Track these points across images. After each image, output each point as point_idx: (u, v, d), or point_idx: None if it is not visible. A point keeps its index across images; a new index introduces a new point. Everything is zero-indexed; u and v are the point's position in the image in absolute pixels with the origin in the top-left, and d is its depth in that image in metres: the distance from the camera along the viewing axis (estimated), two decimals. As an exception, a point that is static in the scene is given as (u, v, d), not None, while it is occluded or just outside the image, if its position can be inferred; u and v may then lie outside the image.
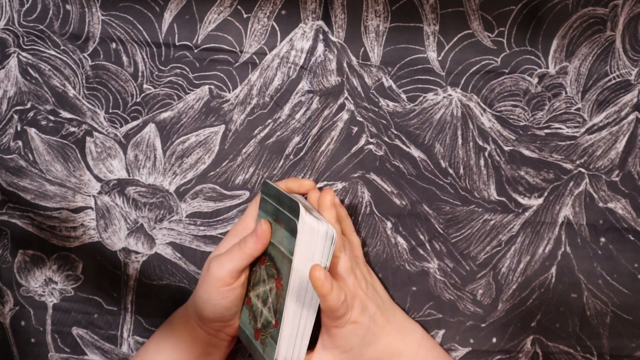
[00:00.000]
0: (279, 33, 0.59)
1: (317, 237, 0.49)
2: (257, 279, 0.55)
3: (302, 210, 0.49)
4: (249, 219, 0.57)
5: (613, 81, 0.59)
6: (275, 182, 0.58)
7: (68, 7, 0.59)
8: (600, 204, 0.61)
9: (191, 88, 0.59)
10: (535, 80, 0.59)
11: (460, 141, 0.60)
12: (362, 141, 0.61)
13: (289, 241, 0.50)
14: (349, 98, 0.60)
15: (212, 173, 0.61)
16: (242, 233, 0.56)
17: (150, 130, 0.60)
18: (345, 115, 0.60)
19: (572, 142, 0.60)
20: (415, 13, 0.58)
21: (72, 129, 0.60)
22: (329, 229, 0.50)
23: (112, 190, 0.61)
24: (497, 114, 0.60)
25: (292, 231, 0.49)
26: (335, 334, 0.53)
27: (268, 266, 0.53)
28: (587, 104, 0.60)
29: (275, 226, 0.53)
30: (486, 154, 0.61)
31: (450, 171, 0.61)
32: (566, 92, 0.60)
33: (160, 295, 0.63)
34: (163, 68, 0.59)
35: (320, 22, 0.59)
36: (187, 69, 0.59)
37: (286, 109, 0.60)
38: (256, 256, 0.54)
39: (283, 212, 0.51)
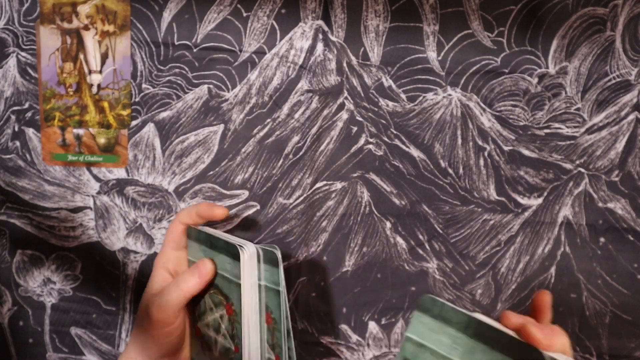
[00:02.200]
0: (278, 32, 0.59)
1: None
2: (203, 309, 0.54)
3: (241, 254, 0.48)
4: (168, 249, 0.55)
5: (613, 81, 0.59)
6: (189, 207, 0.56)
7: (66, 6, 0.58)
8: (600, 204, 0.61)
9: (190, 87, 0.59)
10: (535, 80, 0.59)
11: (459, 141, 0.60)
12: (362, 141, 0.60)
13: (232, 266, 0.49)
14: (349, 98, 0.60)
15: (211, 172, 0.61)
16: (167, 264, 0.55)
17: (150, 129, 0.60)
18: (344, 115, 0.60)
19: (572, 142, 0.60)
20: (415, 13, 0.58)
21: (71, 129, 0.60)
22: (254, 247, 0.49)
23: (111, 190, 0.61)
24: (497, 113, 0.60)
25: (234, 255, 0.49)
26: None
27: (213, 294, 0.52)
28: (587, 104, 0.60)
29: (212, 254, 0.52)
30: (486, 153, 0.61)
31: (450, 171, 0.61)
32: (566, 92, 0.60)
33: (159, 295, 0.63)
34: (162, 67, 0.59)
35: (320, 22, 0.59)
36: (187, 69, 0.59)
37: (285, 109, 0.60)
38: (196, 294, 0.52)
39: (219, 242, 0.51)
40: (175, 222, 0.55)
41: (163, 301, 0.50)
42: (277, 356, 0.49)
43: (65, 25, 0.52)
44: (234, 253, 0.49)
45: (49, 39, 0.53)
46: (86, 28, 0.52)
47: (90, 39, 0.53)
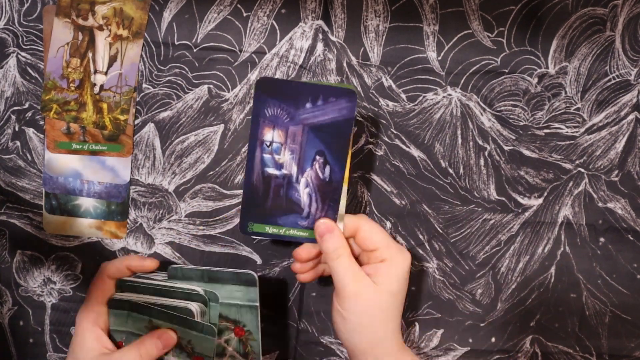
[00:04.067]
0: (278, 32, 0.59)
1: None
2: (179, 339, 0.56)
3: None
4: (96, 305, 0.57)
5: (613, 81, 0.60)
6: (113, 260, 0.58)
7: (67, 6, 0.58)
8: (600, 204, 0.61)
9: (190, 87, 0.59)
10: (535, 80, 0.59)
11: (460, 141, 0.60)
12: (362, 141, 0.60)
13: (246, 292, 0.55)
14: (349, 98, 0.60)
15: (211, 172, 0.61)
16: (98, 321, 0.56)
17: (150, 129, 0.60)
18: (344, 115, 0.60)
19: (572, 142, 0.60)
20: (415, 13, 0.58)
21: (71, 129, 0.60)
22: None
23: (111, 189, 0.61)
24: (497, 113, 0.60)
25: (250, 282, 0.54)
26: None
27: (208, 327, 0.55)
28: (586, 104, 0.60)
29: (214, 287, 0.55)
30: (486, 153, 0.61)
31: (450, 171, 0.61)
32: (566, 92, 0.60)
33: (159, 295, 0.63)
34: (162, 67, 0.59)
35: (320, 22, 0.59)
36: (187, 69, 0.59)
37: (285, 109, 0.60)
38: None
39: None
40: (102, 277, 0.57)
41: None
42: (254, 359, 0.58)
43: (80, 21, 0.52)
44: (249, 280, 0.54)
45: (61, 32, 0.53)
46: (100, 28, 0.52)
47: (102, 40, 0.53)
